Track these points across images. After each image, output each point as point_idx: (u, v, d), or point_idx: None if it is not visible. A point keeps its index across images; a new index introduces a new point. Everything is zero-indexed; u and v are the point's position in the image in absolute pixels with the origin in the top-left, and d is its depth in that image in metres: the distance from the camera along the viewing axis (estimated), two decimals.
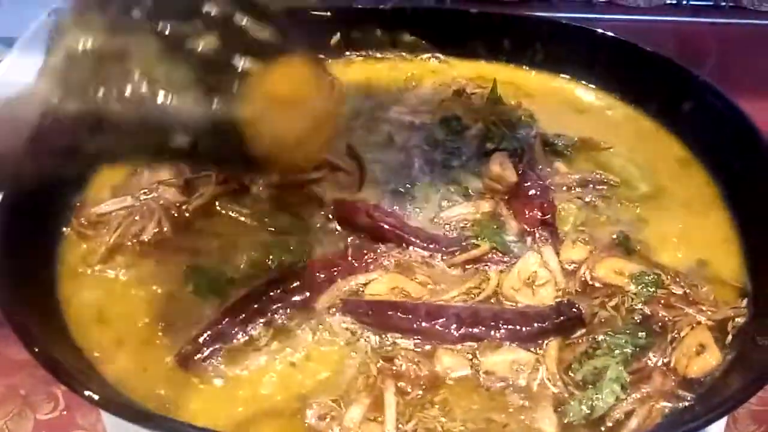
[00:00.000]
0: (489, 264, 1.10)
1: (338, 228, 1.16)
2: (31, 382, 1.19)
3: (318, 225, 1.17)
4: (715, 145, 1.30)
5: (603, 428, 0.91)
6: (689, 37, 2.07)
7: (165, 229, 1.15)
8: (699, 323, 1.00)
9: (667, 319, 1.02)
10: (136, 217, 1.16)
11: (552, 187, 1.23)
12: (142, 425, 0.83)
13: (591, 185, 1.25)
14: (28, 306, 0.96)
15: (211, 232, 1.17)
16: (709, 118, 1.31)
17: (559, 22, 1.55)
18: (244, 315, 1.01)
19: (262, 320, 1.01)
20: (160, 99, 0.78)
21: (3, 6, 1.85)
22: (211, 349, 0.98)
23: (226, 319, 1.00)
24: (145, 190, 1.21)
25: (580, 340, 0.99)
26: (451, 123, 1.38)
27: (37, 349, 0.87)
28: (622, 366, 0.94)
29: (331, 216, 1.17)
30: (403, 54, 1.58)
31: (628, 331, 0.99)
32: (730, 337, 1.00)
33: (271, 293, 1.03)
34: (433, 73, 1.55)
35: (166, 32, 0.80)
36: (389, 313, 1.00)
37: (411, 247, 1.12)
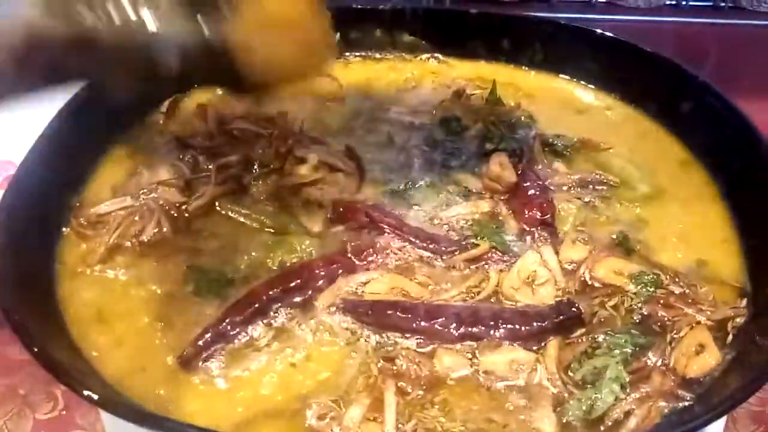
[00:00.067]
0: (489, 263, 1.10)
1: (338, 228, 1.16)
2: (30, 381, 1.18)
3: (318, 225, 1.17)
4: (715, 145, 1.30)
5: (602, 428, 0.91)
6: (689, 38, 2.08)
7: (165, 229, 1.15)
8: (698, 323, 1.00)
9: (666, 319, 1.02)
10: (136, 218, 1.16)
11: (551, 187, 1.23)
12: (141, 425, 0.83)
13: (590, 185, 1.25)
14: (28, 306, 0.96)
15: (211, 232, 1.17)
16: (709, 119, 1.31)
17: (558, 23, 1.55)
18: (244, 315, 1.01)
19: (262, 320, 1.02)
20: (144, 18, 0.76)
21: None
22: (212, 350, 0.98)
23: (227, 320, 1.00)
24: (145, 191, 1.21)
25: (579, 340, 0.99)
26: (451, 123, 1.39)
27: (36, 349, 0.87)
28: (621, 366, 0.94)
29: (330, 216, 1.17)
30: (403, 54, 1.59)
31: (627, 331, 0.99)
32: (729, 337, 1.00)
33: (271, 293, 1.03)
34: (432, 74, 1.56)
35: None
36: (389, 312, 1.01)
37: (411, 247, 1.12)
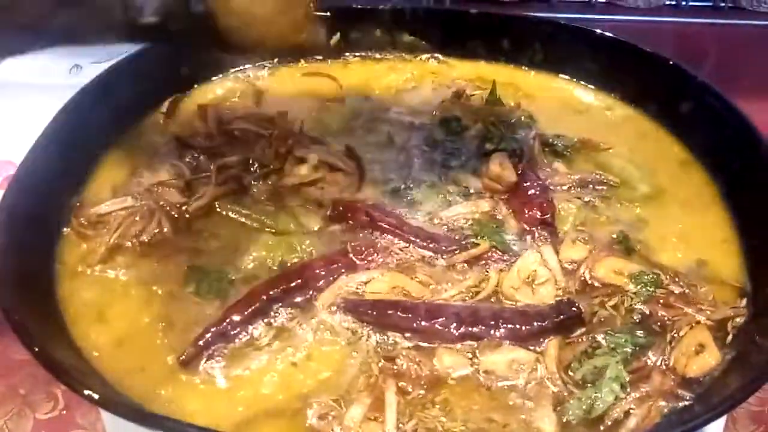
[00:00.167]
0: (489, 263, 1.10)
1: (338, 228, 1.16)
2: (30, 381, 1.19)
3: (318, 225, 1.17)
4: (715, 145, 1.30)
5: (602, 427, 0.91)
6: (689, 38, 2.08)
7: (165, 229, 1.15)
8: (698, 323, 1.01)
9: (666, 318, 1.02)
10: (137, 218, 1.16)
11: (551, 187, 1.24)
12: (141, 424, 0.83)
13: (590, 185, 1.26)
14: (28, 306, 0.96)
15: (212, 232, 1.17)
16: (709, 119, 1.31)
17: (558, 23, 1.56)
18: (245, 315, 1.01)
19: (263, 320, 1.02)
20: None
21: None
22: (212, 349, 0.98)
23: (228, 320, 1.00)
24: (145, 191, 1.21)
25: (579, 339, 0.99)
26: (451, 123, 1.39)
27: (37, 349, 0.87)
28: (621, 365, 0.95)
29: (330, 216, 1.18)
30: (403, 54, 1.59)
31: (627, 331, 0.99)
32: (729, 336, 1.00)
33: (272, 293, 1.04)
34: (432, 74, 1.56)
35: None
36: (389, 312, 1.01)
37: (411, 247, 1.12)
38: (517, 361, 0.96)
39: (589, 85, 1.51)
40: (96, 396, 0.83)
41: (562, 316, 1.01)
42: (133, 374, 0.96)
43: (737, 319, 1.02)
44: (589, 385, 0.94)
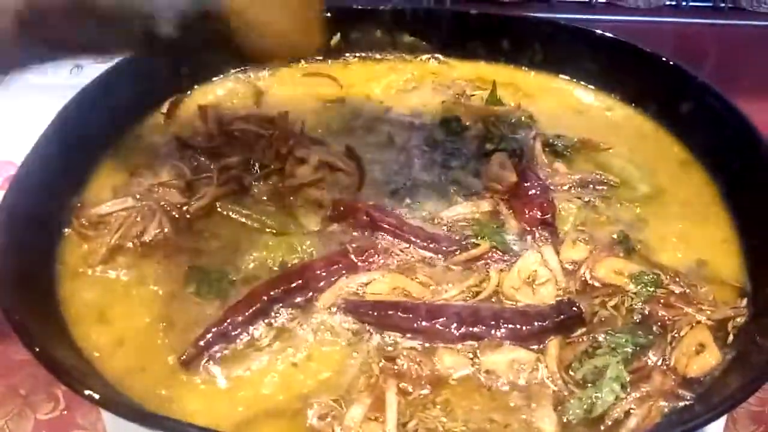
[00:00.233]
0: (489, 263, 1.10)
1: (338, 228, 1.16)
2: (31, 381, 1.19)
3: (318, 225, 1.17)
4: (715, 145, 1.30)
5: (602, 427, 0.91)
6: (689, 38, 2.08)
7: (166, 230, 1.15)
8: (699, 323, 1.01)
9: (666, 318, 1.02)
10: (137, 218, 1.16)
11: (552, 187, 1.24)
12: (142, 424, 0.83)
13: (591, 186, 1.26)
14: (29, 306, 0.96)
15: (212, 233, 1.17)
16: (709, 119, 1.31)
17: (558, 23, 1.56)
18: (245, 315, 1.01)
19: (263, 321, 1.02)
20: None
21: None
22: (213, 350, 0.98)
23: (228, 320, 1.00)
24: (146, 191, 1.21)
25: (580, 339, 0.99)
26: (451, 124, 1.39)
27: (37, 349, 0.87)
28: (622, 365, 0.95)
29: (331, 216, 1.18)
30: (403, 55, 1.59)
31: (628, 331, 0.99)
32: (730, 336, 1.00)
33: (273, 293, 1.04)
34: (432, 74, 1.56)
35: None
36: (390, 312, 1.01)
37: (411, 247, 1.12)
38: (518, 361, 0.97)
39: (589, 86, 1.51)
40: (97, 396, 0.84)
41: (562, 316, 1.01)
42: (133, 374, 0.96)
43: (737, 319, 1.02)
44: (589, 385, 0.94)
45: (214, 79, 1.50)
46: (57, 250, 1.13)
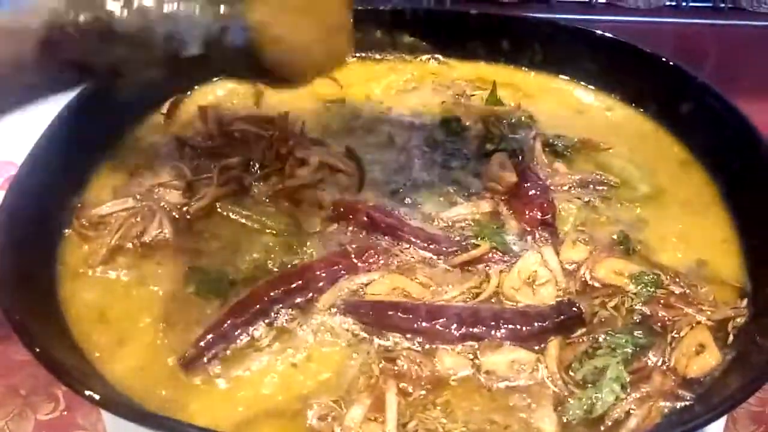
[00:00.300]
0: (489, 264, 1.10)
1: (338, 229, 1.16)
2: (31, 382, 1.19)
3: (318, 226, 1.17)
4: (715, 145, 1.30)
5: (602, 427, 0.91)
6: (689, 39, 2.08)
7: (166, 230, 1.15)
8: (699, 323, 1.01)
9: (666, 319, 1.02)
10: (138, 219, 1.16)
11: (552, 188, 1.24)
12: (142, 425, 0.83)
13: (591, 186, 1.26)
14: (29, 306, 0.96)
15: (212, 233, 1.17)
16: (709, 119, 1.31)
17: (558, 24, 1.56)
18: (245, 316, 1.01)
19: (263, 321, 1.02)
20: (166, 6, 0.75)
21: (3, 6, 1.85)
22: (213, 350, 0.98)
23: (228, 321, 1.00)
24: (146, 192, 1.21)
25: (580, 340, 0.99)
26: (451, 124, 1.39)
27: (38, 350, 0.87)
28: (622, 365, 0.95)
29: (331, 217, 1.18)
30: (403, 55, 1.59)
31: (628, 331, 0.99)
32: (730, 337, 1.00)
33: (273, 294, 1.04)
34: (432, 75, 1.56)
35: None
36: (390, 313, 1.01)
37: (411, 248, 1.12)
38: (518, 362, 0.96)
39: (589, 86, 1.51)
40: (97, 396, 0.84)
41: (562, 317, 1.01)
42: (134, 375, 0.96)
43: (737, 320, 1.02)
44: (589, 385, 0.94)
45: (215, 79, 1.49)
46: (57, 250, 1.13)
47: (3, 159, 1.45)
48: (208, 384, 0.96)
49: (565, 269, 1.09)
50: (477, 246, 1.11)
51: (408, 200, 1.22)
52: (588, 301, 1.04)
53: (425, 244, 1.12)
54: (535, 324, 1.00)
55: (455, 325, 0.99)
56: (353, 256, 1.10)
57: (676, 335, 0.99)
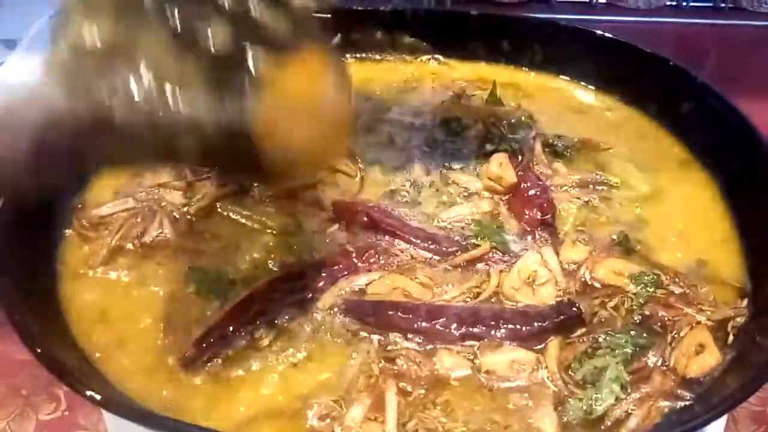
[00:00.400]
0: (489, 264, 1.10)
1: (338, 229, 1.16)
2: (32, 382, 1.19)
3: (318, 226, 1.17)
4: (715, 145, 1.30)
5: (602, 427, 0.91)
6: (689, 39, 2.08)
7: (166, 230, 1.16)
8: (698, 323, 1.01)
9: (666, 319, 1.02)
10: (138, 219, 1.16)
11: (552, 188, 1.24)
12: (143, 425, 0.83)
13: (591, 186, 1.26)
14: (30, 307, 0.97)
15: (213, 233, 1.17)
16: (709, 119, 1.31)
17: (558, 24, 1.56)
18: (245, 316, 1.01)
19: (263, 321, 1.02)
20: (168, 100, 0.74)
21: (4, 6, 1.85)
22: (213, 350, 0.98)
23: (228, 321, 1.00)
24: (147, 193, 1.21)
25: (580, 340, 0.99)
26: (451, 124, 1.39)
27: (39, 350, 0.88)
28: (621, 366, 0.95)
29: (331, 217, 1.18)
30: (404, 56, 1.59)
31: (627, 331, 0.99)
32: (730, 337, 1.00)
33: (273, 294, 1.04)
34: (433, 75, 1.56)
35: (176, 21, 0.75)
36: (390, 313, 1.01)
37: (412, 248, 1.12)
38: (518, 362, 0.97)
39: (590, 86, 1.51)
40: (98, 397, 0.84)
41: (562, 317, 1.01)
42: (134, 375, 0.96)
43: (737, 319, 1.02)
44: (589, 385, 0.94)
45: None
46: (58, 251, 1.13)
47: None
48: (208, 384, 0.96)
49: (565, 269, 1.10)
50: (477, 246, 1.11)
51: (408, 200, 1.22)
52: (588, 301, 1.04)
53: (425, 244, 1.12)
54: (535, 324, 1.00)
55: (455, 325, 0.99)
56: (353, 255, 1.10)
57: (676, 335, 0.99)
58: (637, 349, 0.98)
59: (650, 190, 1.27)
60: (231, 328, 1.00)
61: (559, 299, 1.05)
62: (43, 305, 1.03)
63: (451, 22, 1.58)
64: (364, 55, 1.59)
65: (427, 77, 1.55)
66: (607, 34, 1.48)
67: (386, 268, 1.09)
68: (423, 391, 0.94)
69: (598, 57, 1.48)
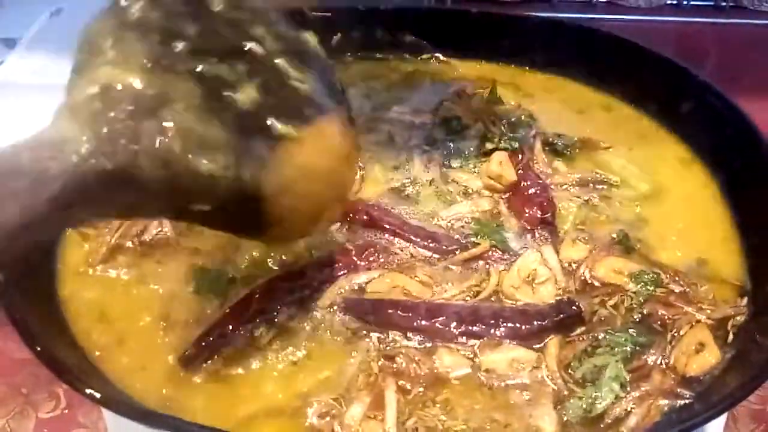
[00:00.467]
0: (489, 262, 1.10)
1: (338, 227, 1.16)
2: (32, 380, 1.19)
3: None
4: (716, 144, 1.30)
5: (602, 425, 0.91)
6: (690, 37, 2.08)
7: (166, 229, 1.15)
8: (698, 322, 1.00)
9: (666, 317, 1.02)
10: None
11: (552, 186, 1.24)
12: (143, 423, 0.83)
13: (591, 184, 1.26)
14: (30, 305, 0.97)
15: (212, 232, 1.16)
16: (710, 118, 1.31)
17: (559, 22, 1.56)
18: (245, 315, 1.01)
19: (263, 320, 1.02)
20: (190, 160, 0.73)
21: (4, 6, 1.85)
22: (213, 348, 0.98)
23: (228, 319, 1.00)
24: None
25: (580, 338, 0.99)
26: (451, 123, 1.39)
27: (39, 348, 0.88)
28: (621, 364, 0.94)
29: None
30: (404, 54, 1.58)
31: (627, 330, 0.99)
32: (730, 335, 1.00)
33: (273, 293, 1.04)
34: (433, 74, 1.56)
35: (207, 76, 0.74)
36: (389, 311, 1.01)
37: (411, 246, 1.12)
38: (518, 360, 0.97)
39: (590, 85, 1.51)
40: (98, 395, 0.84)
41: (562, 315, 1.01)
42: (134, 373, 0.96)
43: (737, 318, 1.02)
44: (589, 383, 0.94)
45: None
46: (58, 249, 1.13)
47: None
48: (208, 382, 0.96)
49: (565, 268, 1.09)
50: (477, 244, 1.11)
51: (408, 199, 1.22)
52: (587, 299, 1.04)
53: (425, 243, 1.12)
54: (535, 322, 1.00)
55: (455, 324, 0.99)
56: (353, 254, 1.10)
57: (676, 334, 0.99)
58: (637, 347, 0.97)
59: (650, 188, 1.26)
60: (231, 327, 1.00)
61: (558, 298, 1.05)
62: (43, 303, 1.03)
63: (452, 21, 1.58)
64: (364, 53, 1.59)
65: (427, 76, 1.55)
66: (607, 33, 1.47)
67: (386, 266, 1.09)
68: (422, 390, 0.94)
69: (598, 56, 1.48)
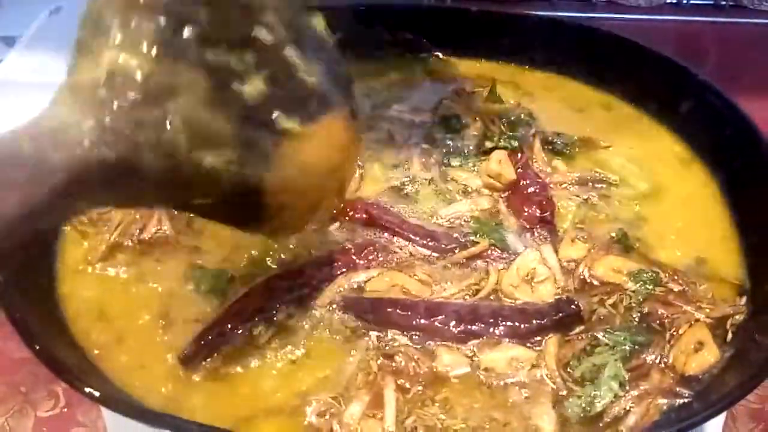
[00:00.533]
0: (488, 261, 1.10)
1: (337, 226, 1.16)
2: (31, 379, 1.19)
3: (317, 223, 1.17)
4: (715, 143, 1.30)
5: (601, 424, 0.91)
6: (689, 36, 2.07)
7: (165, 227, 1.16)
8: (697, 321, 1.01)
9: (665, 316, 1.02)
10: (137, 216, 1.16)
11: (551, 185, 1.24)
12: (142, 422, 0.83)
13: (590, 183, 1.26)
14: (29, 304, 0.97)
15: (212, 230, 1.17)
16: (709, 117, 1.31)
17: (559, 21, 1.56)
18: (244, 313, 1.01)
19: (262, 318, 1.01)
20: (194, 154, 0.72)
21: (4, 5, 1.85)
22: (212, 347, 0.98)
23: (227, 318, 1.00)
24: None
25: (579, 337, 0.99)
26: (451, 121, 1.39)
27: (37, 347, 0.88)
28: (620, 363, 0.95)
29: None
30: (404, 53, 1.58)
31: (626, 329, 1.00)
32: (728, 334, 1.00)
33: (272, 291, 1.04)
34: (433, 72, 1.56)
35: (215, 66, 0.72)
36: (388, 310, 1.01)
37: (410, 245, 1.12)
38: (517, 359, 0.97)
39: (590, 83, 1.51)
40: (97, 394, 0.84)
41: (561, 314, 1.01)
42: (133, 372, 0.96)
43: (736, 317, 1.02)
44: (588, 382, 0.94)
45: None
46: (57, 247, 1.13)
47: None
48: (207, 381, 0.96)
49: (564, 267, 1.10)
50: (476, 243, 1.11)
51: (407, 197, 1.22)
52: (586, 298, 1.04)
53: (424, 241, 1.12)
54: (534, 321, 1.00)
55: (454, 322, 0.99)
56: (352, 253, 1.10)
57: (675, 333, 0.99)
58: (636, 346, 0.98)
59: (649, 187, 1.27)
60: (230, 326, 1.00)
61: (557, 297, 1.05)
62: (42, 302, 1.03)
63: (452, 19, 1.57)
64: (364, 52, 1.58)
65: (426, 74, 1.55)
66: (607, 32, 1.47)
67: (385, 265, 1.09)
68: (422, 388, 0.94)
69: (598, 54, 1.48)
